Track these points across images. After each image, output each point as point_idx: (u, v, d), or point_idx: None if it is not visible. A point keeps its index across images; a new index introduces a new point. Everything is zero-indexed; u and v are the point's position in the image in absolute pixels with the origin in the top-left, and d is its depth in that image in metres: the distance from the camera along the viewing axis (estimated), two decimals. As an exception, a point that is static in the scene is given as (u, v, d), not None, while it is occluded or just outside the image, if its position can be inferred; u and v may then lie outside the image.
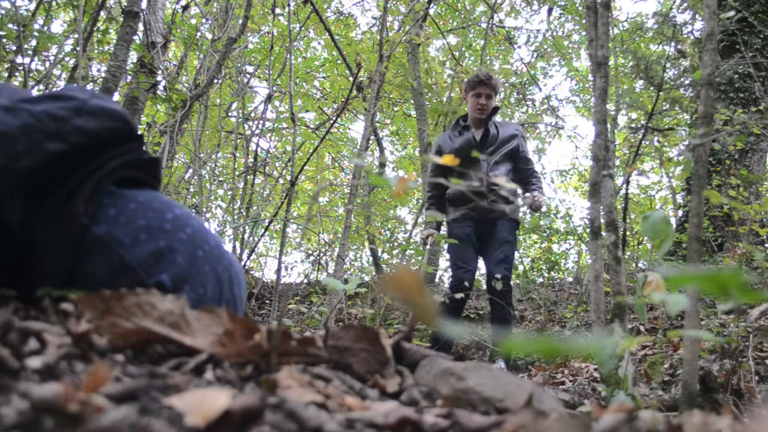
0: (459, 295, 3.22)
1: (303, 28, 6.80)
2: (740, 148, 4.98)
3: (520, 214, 3.47)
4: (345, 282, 1.20)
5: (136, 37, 3.73)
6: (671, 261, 4.36)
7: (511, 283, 3.26)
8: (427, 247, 3.49)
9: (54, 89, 2.05)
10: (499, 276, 3.17)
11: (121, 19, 3.44)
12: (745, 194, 4.78)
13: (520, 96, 9.02)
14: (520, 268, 7.15)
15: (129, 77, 4.19)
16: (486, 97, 3.37)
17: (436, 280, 6.43)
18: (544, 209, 3.49)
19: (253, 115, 7.58)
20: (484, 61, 7.10)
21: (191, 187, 5.96)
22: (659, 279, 1.00)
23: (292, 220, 5.14)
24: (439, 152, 3.49)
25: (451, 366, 0.63)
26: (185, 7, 5.45)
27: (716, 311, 2.97)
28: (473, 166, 3.33)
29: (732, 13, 4.99)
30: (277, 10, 5.73)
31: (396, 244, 7.33)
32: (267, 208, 6.39)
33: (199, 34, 5.64)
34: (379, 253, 6.98)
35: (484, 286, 3.50)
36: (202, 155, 5.85)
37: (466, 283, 3.24)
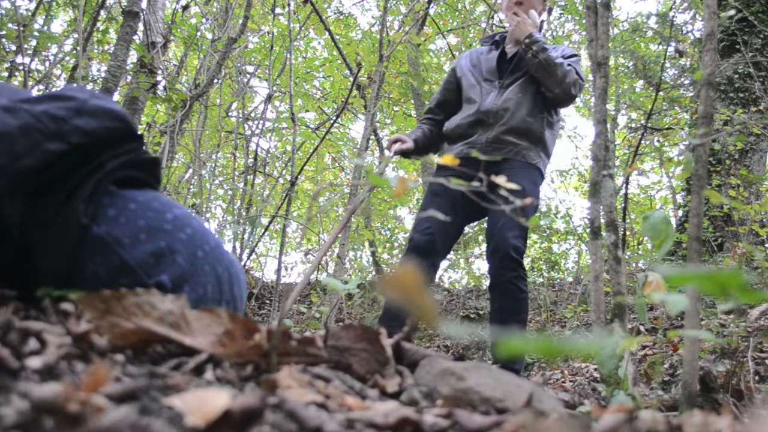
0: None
1: (303, 28, 6.80)
2: (740, 148, 4.98)
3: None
4: (345, 282, 1.19)
5: (136, 37, 3.73)
6: (671, 261, 4.36)
7: (522, 259, 2.17)
8: (389, 154, 2.59)
9: (54, 89, 2.04)
10: (506, 248, 2.12)
11: (121, 19, 3.44)
12: (745, 194, 4.78)
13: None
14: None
15: (129, 77, 4.19)
16: (517, 3, 2.47)
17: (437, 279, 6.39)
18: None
19: (253, 115, 7.58)
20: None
21: (191, 187, 5.95)
22: (659, 279, 1.00)
23: (291, 220, 5.14)
24: (453, 74, 2.61)
25: (451, 366, 0.63)
26: (185, 7, 5.45)
27: (716, 311, 2.97)
28: (486, 91, 2.46)
29: (732, 12, 4.98)
30: (277, 10, 5.73)
31: (396, 244, 7.32)
32: (267, 209, 6.39)
33: (199, 34, 5.63)
34: (379, 253, 6.97)
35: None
36: (202, 155, 5.85)
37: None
